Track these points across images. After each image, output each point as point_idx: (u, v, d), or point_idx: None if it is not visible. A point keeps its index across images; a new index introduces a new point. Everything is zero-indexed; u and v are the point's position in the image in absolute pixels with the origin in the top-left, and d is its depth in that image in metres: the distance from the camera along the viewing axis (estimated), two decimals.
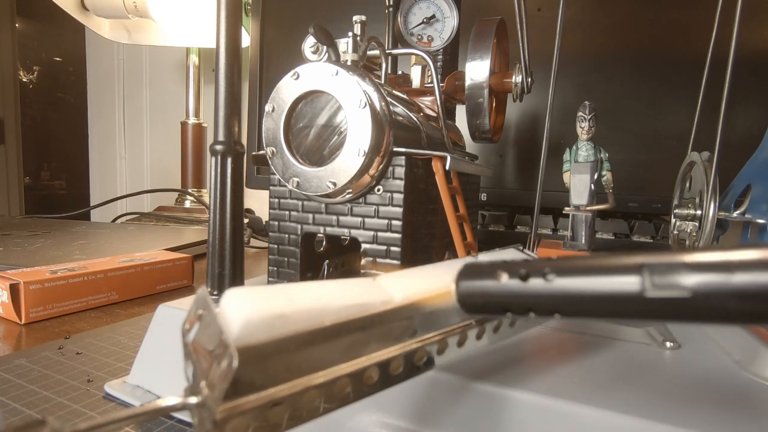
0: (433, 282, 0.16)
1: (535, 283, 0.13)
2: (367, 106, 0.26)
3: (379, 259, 0.28)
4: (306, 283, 0.14)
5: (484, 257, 0.20)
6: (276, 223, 0.31)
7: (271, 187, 0.31)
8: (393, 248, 0.27)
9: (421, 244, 0.30)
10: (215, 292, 0.26)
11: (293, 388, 0.12)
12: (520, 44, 0.38)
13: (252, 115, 0.74)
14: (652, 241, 0.57)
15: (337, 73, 0.26)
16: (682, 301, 0.10)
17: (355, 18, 0.30)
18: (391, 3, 0.42)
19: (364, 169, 0.26)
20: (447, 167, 0.28)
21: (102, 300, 0.41)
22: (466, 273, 0.15)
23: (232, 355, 0.11)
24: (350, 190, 0.28)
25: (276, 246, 0.31)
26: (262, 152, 0.29)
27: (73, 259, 0.50)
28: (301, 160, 0.28)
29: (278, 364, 0.12)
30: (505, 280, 0.13)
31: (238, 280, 0.26)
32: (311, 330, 0.13)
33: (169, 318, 0.27)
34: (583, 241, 0.38)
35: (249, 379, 0.12)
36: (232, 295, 0.12)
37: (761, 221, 0.29)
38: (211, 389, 0.11)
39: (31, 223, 0.81)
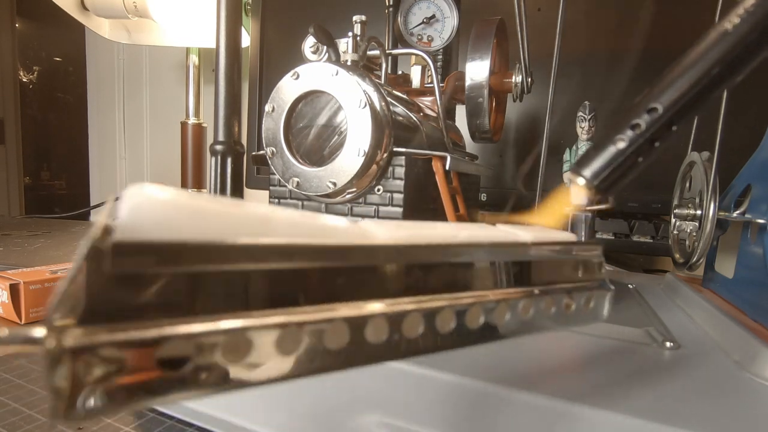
0: (434, 232, 0.12)
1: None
2: (367, 106, 0.26)
3: None
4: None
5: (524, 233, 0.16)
6: None
7: (271, 187, 0.31)
8: None
9: None
10: None
11: (199, 327, 0.08)
12: (520, 44, 0.38)
13: (252, 115, 0.74)
14: (652, 241, 0.57)
15: (337, 73, 0.27)
16: None
17: (355, 18, 0.30)
18: (391, 3, 0.42)
19: (364, 169, 0.26)
20: (447, 167, 0.28)
21: None
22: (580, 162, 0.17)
23: (101, 250, 0.07)
24: (350, 190, 0.28)
25: None
26: (262, 152, 0.29)
27: (73, 259, 0.50)
28: (301, 160, 0.28)
29: (183, 284, 0.08)
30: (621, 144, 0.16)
31: None
32: (251, 245, 0.09)
33: None
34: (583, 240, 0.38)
35: (126, 297, 0.08)
36: (136, 186, 0.09)
37: (761, 221, 0.29)
38: (64, 309, 0.07)
39: (31, 223, 0.81)
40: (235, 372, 0.09)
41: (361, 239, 0.11)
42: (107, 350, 0.07)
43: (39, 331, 0.07)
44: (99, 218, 0.08)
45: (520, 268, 0.14)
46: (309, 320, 0.09)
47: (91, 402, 0.07)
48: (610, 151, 0.16)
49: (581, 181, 0.17)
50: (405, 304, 0.11)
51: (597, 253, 0.17)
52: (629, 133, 0.16)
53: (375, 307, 0.10)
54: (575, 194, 0.17)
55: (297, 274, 0.10)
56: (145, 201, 0.08)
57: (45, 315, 0.07)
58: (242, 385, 0.09)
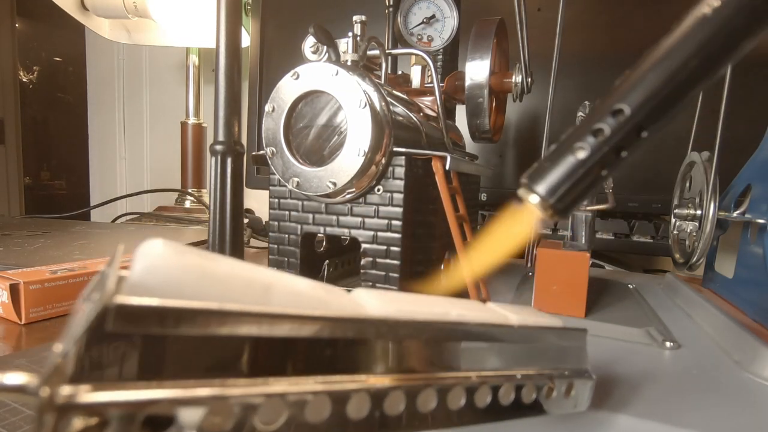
0: (426, 308, 0.12)
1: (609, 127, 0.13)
2: (367, 106, 0.26)
3: (379, 259, 0.28)
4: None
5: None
6: (276, 223, 0.31)
7: (271, 187, 0.31)
8: (393, 248, 0.27)
9: (421, 244, 0.30)
10: None
11: (189, 392, 0.08)
12: (520, 44, 0.38)
13: (252, 115, 0.74)
14: (652, 241, 0.57)
15: (337, 73, 0.27)
16: None
17: (355, 18, 0.30)
18: (391, 3, 0.42)
19: (364, 169, 0.26)
20: (447, 167, 0.28)
21: None
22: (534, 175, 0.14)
23: (103, 306, 0.08)
24: (350, 190, 0.28)
25: (276, 246, 0.31)
26: (262, 152, 0.29)
27: (73, 259, 0.50)
28: (301, 160, 0.28)
29: (181, 346, 0.08)
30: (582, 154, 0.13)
31: None
32: (255, 312, 0.09)
33: None
34: (583, 241, 0.38)
35: (122, 357, 0.08)
36: (152, 242, 0.09)
37: (761, 221, 0.29)
38: (59, 367, 0.08)
39: (31, 223, 0.81)
40: None
41: (352, 312, 0.11)
42: (96, 409, 0.08)
43: (31, 382, 0.08)
44: (108, 271, 0.09)
45: (504, 351, 0.14)
46: (291, 391, 0.09)
47: None
48: (569, 161, 0.13)
49: (534, 198, 0.14)
50: (388, 380, 0.11)
51: (582, 340, 0.16)
52: (591, 140, 0.13)
53: (358, 381, 0.11)
54: (527, 214, 0.14)
55: (284, 343, 0.10)
56: (158, 262, 0.09)
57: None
58: None
